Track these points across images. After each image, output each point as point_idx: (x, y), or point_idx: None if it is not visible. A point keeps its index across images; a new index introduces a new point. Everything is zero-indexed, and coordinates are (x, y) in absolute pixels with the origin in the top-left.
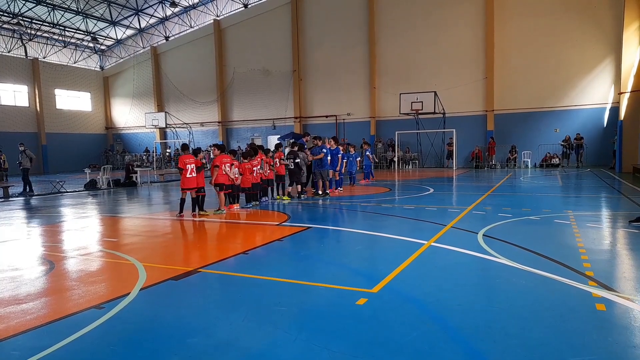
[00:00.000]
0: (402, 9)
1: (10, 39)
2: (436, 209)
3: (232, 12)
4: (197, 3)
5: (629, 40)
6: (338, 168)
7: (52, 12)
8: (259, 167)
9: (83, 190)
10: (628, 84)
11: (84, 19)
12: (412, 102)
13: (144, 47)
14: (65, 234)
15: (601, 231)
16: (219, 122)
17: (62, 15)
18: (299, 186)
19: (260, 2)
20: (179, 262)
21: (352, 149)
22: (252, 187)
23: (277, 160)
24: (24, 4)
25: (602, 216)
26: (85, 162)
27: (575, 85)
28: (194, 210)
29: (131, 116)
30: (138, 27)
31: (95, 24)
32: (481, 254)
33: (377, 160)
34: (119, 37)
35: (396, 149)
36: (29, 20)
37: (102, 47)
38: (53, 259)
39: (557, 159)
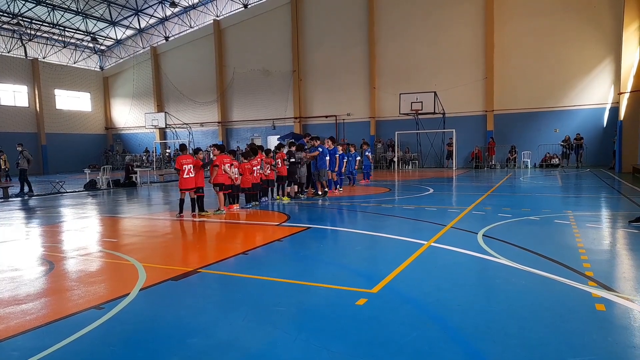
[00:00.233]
0: (402, 9)
1: (10, 39)
2: (436, 209)
3: (232, 12)
4: (197, 3)
5: (629, 40)
6: (336, 168)
7: (51, 13)
8: (258, 167)
9: (83, 191)
10: (628, 84)
11: (83, 19)
12: (411, 102)
13: (143, 48)
14: (65, 234)
15: (601, 231)
16: (218, 123)
17: (62, 16)
18: (296, 187)
19: (260, 2)
20: (178, 263)
21: (352, 149)
22: (252, 187)
23: (279, 160)
24: (23, 4)
25: (601, 216)
26: (85, 162)
27: (575, 85)
28: (193, 210)
29: (131, 116)
30: (138, 27)
31: (95, 24)
32: (481, 254)
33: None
34: (118, 38)
35: (396, 149)
36: (29, 20)
37: (102, 48)
38: (53, 259)
39: (556, 159)
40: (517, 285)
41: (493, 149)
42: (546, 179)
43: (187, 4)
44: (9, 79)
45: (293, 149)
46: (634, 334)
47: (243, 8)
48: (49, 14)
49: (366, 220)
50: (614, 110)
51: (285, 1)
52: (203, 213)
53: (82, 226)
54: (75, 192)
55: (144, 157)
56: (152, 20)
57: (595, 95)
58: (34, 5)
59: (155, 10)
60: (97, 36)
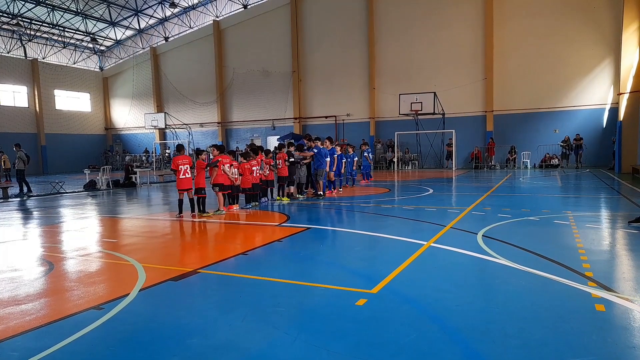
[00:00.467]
0: (402, 10)
1: (10, 40)
2: (435, 209)
3: (232, 13)
4: (197, 4)
5: (628, 41)
6: (334, 169)
7: (51, 13)
8: (258, 167)
9: (82, 191)
10: (627, 85)
11: (83, 19)
12: (411, 103)
13: (143, 48)
14: (64, 234)
15: (600, 232)
16: (218, 123)
17: (62, 16)
18: (291, 187)
19: (259, 2)
20: (178, 263)
21: (350, 149)
22: (252, 187)
23: (280, 161)
24: (23, 5)
25: (601, 217)
26: (84, 162)
27: (575, 85)
28: (192, 210)
29: (130, 117)
30: (137, 27)
31: (95, 25)
32: (480, 255)
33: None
34: (118, 38)
35: (396, 150)
36: (29, 20)
37: (102, 48)
38: (52, 259)
39: (556, 160)
40: (517, 286)
41: (493, 149)
42: (546, 179)
43: (186, 5)
44: (9, 79)
45: (292, 149)
46: (634, 335)
47: (243, 9)
48: (48, 15)
49: (366, 220)
50: (614, 110)
51: (285, 2)
52: (204, 214)
53: (81, 226)
54: (75, 192)
55: (143, 158)
56: (151, 21)
57: (594, 95)
58: (33, 5)
59: (155, 11)
60: (96, 36)
